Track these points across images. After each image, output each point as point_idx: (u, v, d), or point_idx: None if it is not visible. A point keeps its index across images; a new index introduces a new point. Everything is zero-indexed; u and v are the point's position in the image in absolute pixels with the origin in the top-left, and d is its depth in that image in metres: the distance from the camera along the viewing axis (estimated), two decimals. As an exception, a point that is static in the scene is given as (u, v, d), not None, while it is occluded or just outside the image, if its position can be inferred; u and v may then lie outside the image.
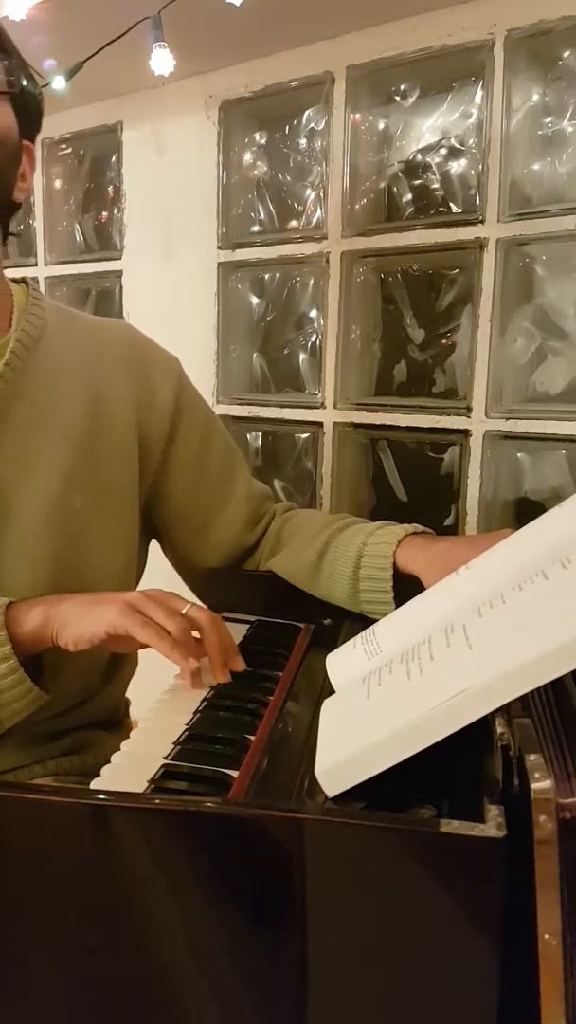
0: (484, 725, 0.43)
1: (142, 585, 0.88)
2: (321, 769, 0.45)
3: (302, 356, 1.54)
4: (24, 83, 0.73)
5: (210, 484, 0.88)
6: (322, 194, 1.41)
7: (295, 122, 1.47)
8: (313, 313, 1.50)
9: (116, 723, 0.85)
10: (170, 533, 0.89)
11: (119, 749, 0.56)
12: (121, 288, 1.70)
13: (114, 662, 0.83)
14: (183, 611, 0.65)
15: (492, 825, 0.38)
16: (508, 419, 1.24)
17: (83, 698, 0.79)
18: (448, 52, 1.24)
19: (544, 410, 1.23)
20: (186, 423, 0.86)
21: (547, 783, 0.37)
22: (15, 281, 0.79)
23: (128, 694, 0.89)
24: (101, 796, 0.47)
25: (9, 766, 0.73)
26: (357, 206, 1.39)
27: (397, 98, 1.37)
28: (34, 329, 0.75)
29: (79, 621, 0.65)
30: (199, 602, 0.89)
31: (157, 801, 0.45)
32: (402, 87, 1.35)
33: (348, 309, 1.42)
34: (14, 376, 0.72)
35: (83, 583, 0.75)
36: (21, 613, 0.66)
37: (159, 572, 0.91)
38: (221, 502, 0.88)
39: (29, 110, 0.75)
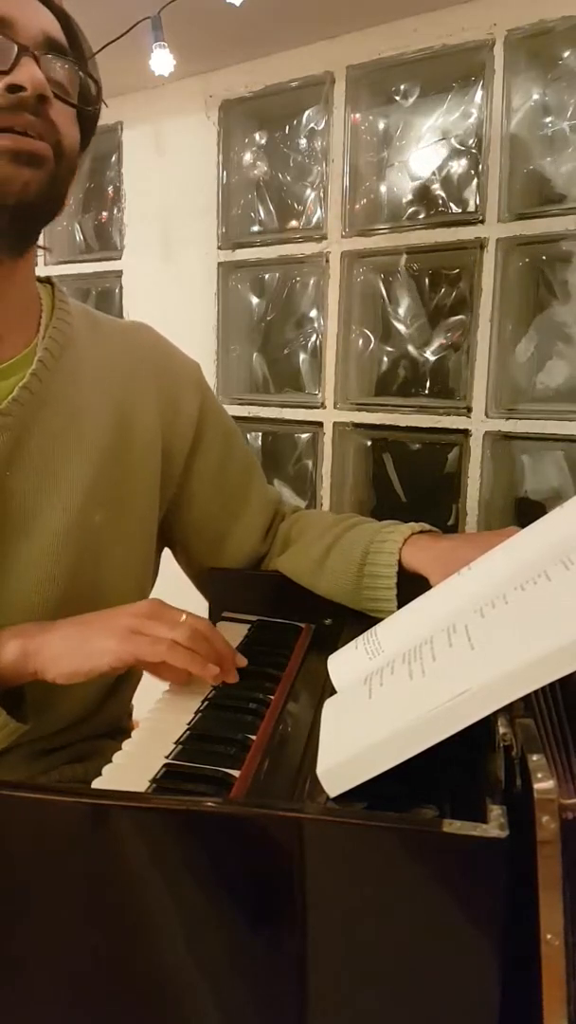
0: (486, 725, 0.43)
1: (153, 592, 0.88)
2: (323, 769, 0.45)
3: (302, 356, 1.54)
4: (94, 100, 0.69)
5: (229, 496, 0.86)
6: (322, 194, 1.41)
7: (295, 122, 1.47)
8: (313, 313, 1.50)
9: (120, 731, 0.83)
10: (186, 543, 0.87)
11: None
12: (121, 288, 1.70)
13: (119, 678, 0.81)
14: (182, 619, 0.63)
15: (494, 825, 0.38)
16: (508, 419, 1.24)
17: (85, 715, 0.77)
18: (448, 52, 1.24)
19: (544, 410, 1.23)
20: (208, 433, 0.84)
21: (550, 783, 0.37)
22: (39, 281, 0.76)
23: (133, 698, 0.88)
24: (102, 795, 0.47)
25: (10, 779, 0.72)
26: (357, 206, 1.39)
27: (397, 98, 1.37)
28: (62, 336, 0.73)
29: (73, 655, 0.61)
30: (196, 609, 0.89)
31: (158, 801, 0.45)
32: (402, 87, 1.35)
33: (348, 309, 1.42)
34: (40, 386, 0.70)
35: (97, 596, 0.73)
36: None
37: (164, 576, 0.90)
38: (239, 513, 0.87)
39: (90, 128, 0.71)
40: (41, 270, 1.89)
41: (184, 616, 0.64)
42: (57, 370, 0.72)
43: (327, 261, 1.40)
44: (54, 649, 0.62)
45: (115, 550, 0.75)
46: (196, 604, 0.90)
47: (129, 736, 0.84)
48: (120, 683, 0.82)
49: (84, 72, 0.67)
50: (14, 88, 0.60)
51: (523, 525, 0.60)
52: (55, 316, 0.74)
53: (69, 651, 0.61)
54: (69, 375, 0.73)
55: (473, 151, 1.29)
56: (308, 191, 1.48)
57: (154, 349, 0.84)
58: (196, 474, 0.84)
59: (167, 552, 0.91)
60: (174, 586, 0.90)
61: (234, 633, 0.78)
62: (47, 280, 0.78)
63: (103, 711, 0.79)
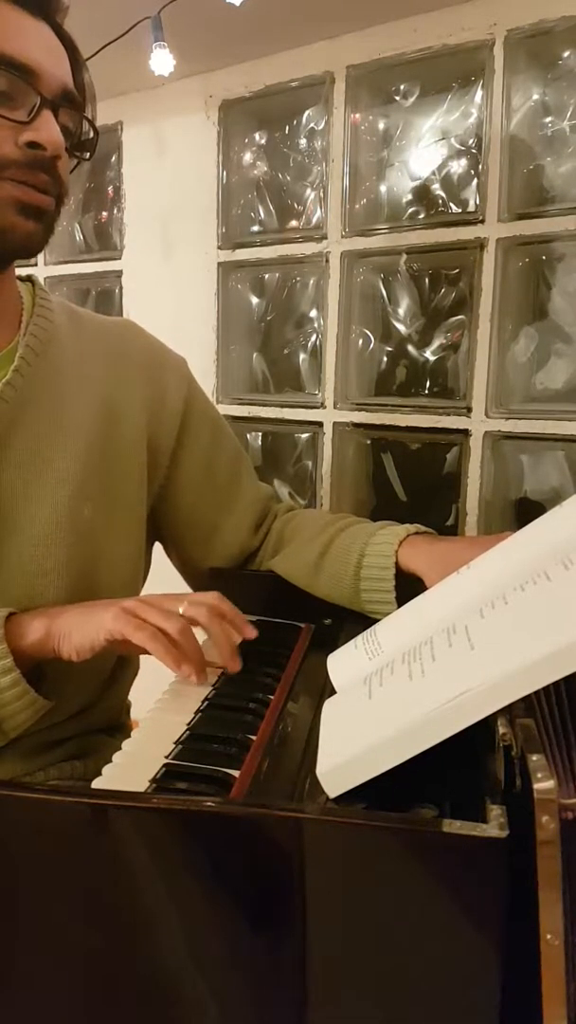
0: (486, 725, 0.43)
1: (146, 587, 0.88)
2: (323, 770, 0.45)
3: (302, 356, 1.54)
4: (93, 145, 0.71)
5: (217, 488, 0.87)
6: (322, 194, 1.41)
7: (295, 122, 1.47)
8: (313, 313, 1.50)
9: (118, 728, 0.84)
10: (176, 537, 0.88)
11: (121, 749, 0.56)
12: (121, 288, 1.70)
13: (116, 669, 0.82)
14: (180, 610, 0.65)
15: (494, 825, 0.38)
16: (508, 419, 1.24)
17: (84, 706, 0.78)
18: (448, 52, 1.24)
19: (544, 410, 1.23)
20: (195, 427, 0.85)
21: (550, 783, 0.37)
22: (20, 279, 0.77)
23: (129, 696, 0.89)
24: (102, 796, 0.47)
25: (9, 775, 0.72)
26: (357, 206, 1.39)
27: (397, 98, 1.37)
28: (43, 333, 0.73)
29: (79, 631, 0.64)
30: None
31: (157, 800, 0.45)
32: (402, 87, 1.35)
33: (348, 309, 1.42)
34: (24, 383, 0.70)
35: (90, 590, 0.73)
36: (23, 625, 0.65)
37: (158, 571, 0.90)
38: (228, 507, 0.87)
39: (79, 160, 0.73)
40: (41, 270, 1.87)
41: (184, 606, 0.65)
42: (40, 366, 0.72)
43: (327, 261, 1.40)
44: (66, 626, 0.65)
45: (106, 543, 0.76)
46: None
47: (127, 733, 0.85)
48: (117, 674, 0.82)
49: (88, 120, 0.69)
50: (35, 145, 0.62)
51: (523, 525, 0.60)
52: (35, 313, 0.74)
53: (76, 627, 0.65)
54: (52, 370, 0.73)
55: (473, 151, 1.29)
56: (308, 191, 1.48)
57: (139, 344, 0.84)
58: (183, 467, 0.85)
59: (163, 552, 0.91)
60: (170, 585, 0.90)
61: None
62: (28, 278, 0.78)
63: (102, 703, 0.80)
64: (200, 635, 0.66)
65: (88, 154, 0.70)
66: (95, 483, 0.74)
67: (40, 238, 0.66)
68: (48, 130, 0.62)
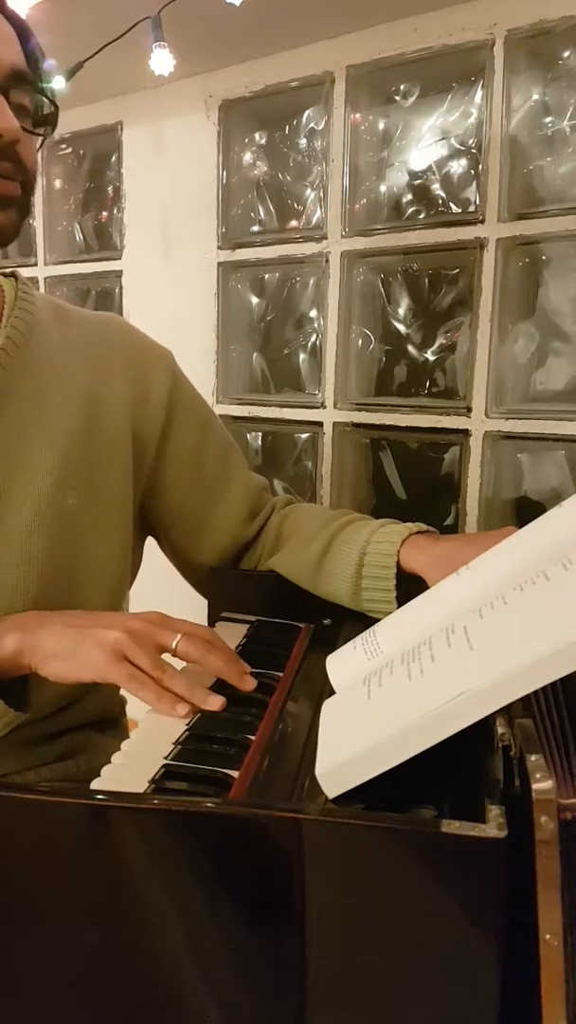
0: (485, 725, 0.43)
1: (138, 582, 0.88)
2: (322, 770, 0.45)
3: (302, 356, 1.54)
4: (54, 118, 0.70)
5: (207, 480, 0.87)
6: (322, 194, 1.41)
7: (295, 122, 1.47)
8: (313, 313, 1.50)
9: (112, 723, 0.84)
10: (167, 530, 0.88)
11: (118, 750, 0.56)
12: (121, 288, 1.70)
13: None
14: (174, 644, 0.62)
15: (493, 825, 0.38)
16: (508, 419, 1.24)
17: (75, 697, 0.77)
18: (448, 52, 1.24)
19: (544, 410, 1.23)
20: (180, 419, 0.85)
21: (548, 783, 0.37)
22: (3, 275, 0.77)
23: (126, 693, 0.88)
24: (101, 796, 0.47)
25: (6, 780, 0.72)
26: (357, 206, 1.39)
27: (397, 98, 1.37)
28: (24, 325, 0.74)
29: (63, 660, 0.61)
30: (195, 608, 0.89)
31: (157, 801, 0.45)
32: (402, 87, 1.35)
33: (348, 309, 1.42)
34: (5, 374, 0.71)
35: (75, 583, 0.74)
36: None
37: (156, 570, 0.90)
38: (218, 498, 0.87)
39: (47, 132, 0.72)
40: (41, 270, 1.88)
41: (178, 639, 0.63)
42: (21, 358, 0.73)
43: (327, 261, 1.40)
44: (47, 648, 0.62)
45: (91, 534, 0.76)
46: (189, 599, 0.90)
47: (121, 729, 0.85)
48: None
49: (42, 93, 0.68)
50: None
51: (523, 525, 0.60)
52: (17, 307, 0.75)
53: (60, 654, 0.62)
54: (33, 363, 0.74)
55: (473, 151, 1.29)
56: (308, 191, 1.48)
57: (124, 337, 0.85)
58: (170, 459, 0.84)
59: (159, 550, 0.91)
60: (169, 581, 0.90)
61: (233, 633, 0.78)
62: (11, 274, 0.78)
63: (93, 695, 0.80)
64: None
65: (50, 128, 0.70)
66: (78, 474, 0.75)
67: (12, 227, 0.66)
68: (1, 116, 0.61)
